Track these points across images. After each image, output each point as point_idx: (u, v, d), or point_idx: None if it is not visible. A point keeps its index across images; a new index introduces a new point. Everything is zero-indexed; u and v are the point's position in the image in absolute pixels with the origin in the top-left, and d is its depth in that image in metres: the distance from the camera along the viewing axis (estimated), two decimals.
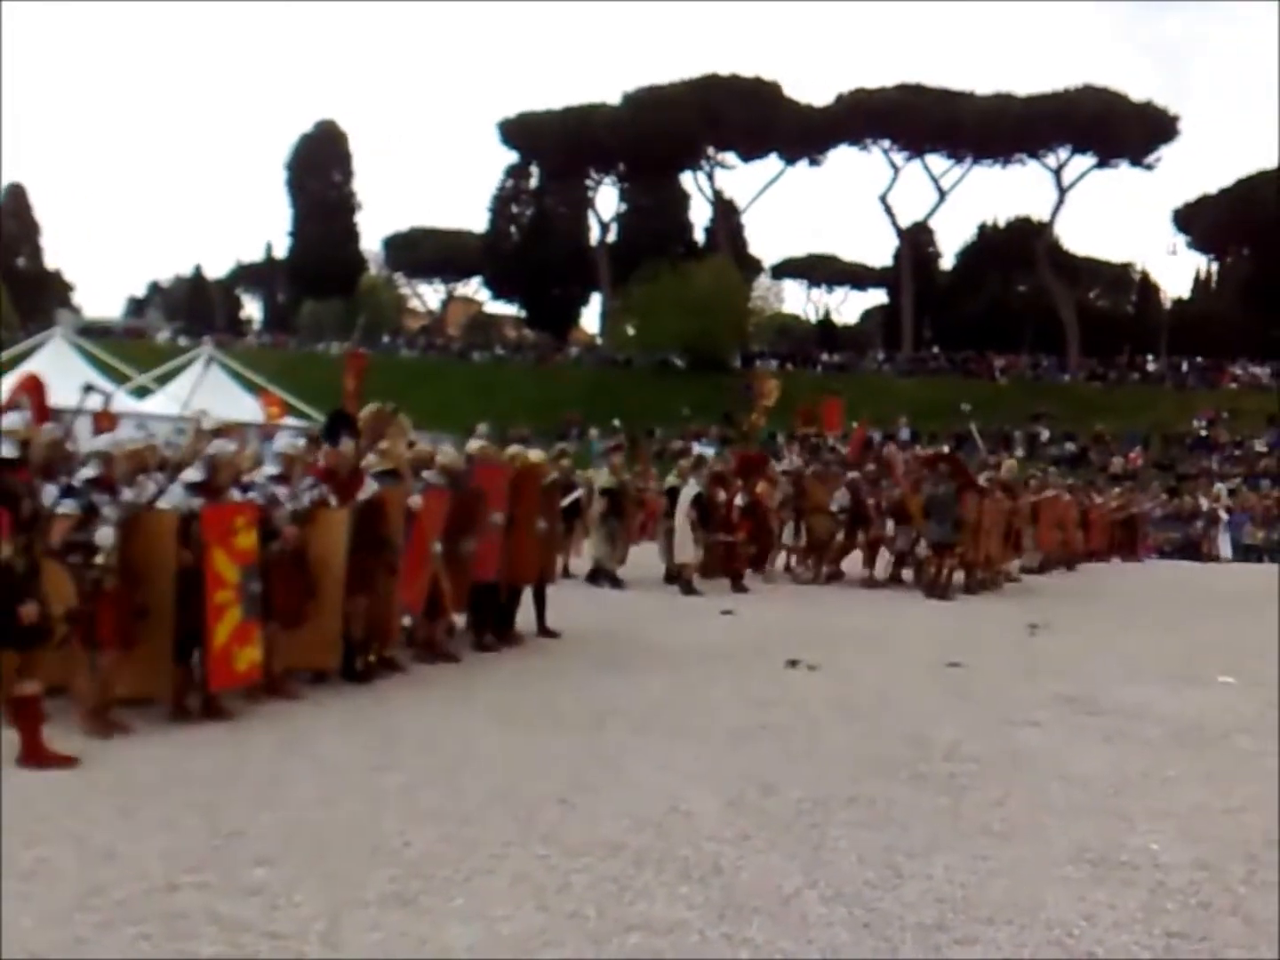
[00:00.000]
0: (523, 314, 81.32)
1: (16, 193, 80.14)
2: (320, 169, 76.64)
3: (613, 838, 5.51)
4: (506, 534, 11.05)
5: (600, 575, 17.00)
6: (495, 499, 10.94)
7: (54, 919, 4.37)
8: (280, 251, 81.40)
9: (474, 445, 12.01)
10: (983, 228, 74.53)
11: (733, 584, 16.91)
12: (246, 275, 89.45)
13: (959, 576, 17.78)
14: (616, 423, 48.97)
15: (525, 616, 11.80)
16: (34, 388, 9.49)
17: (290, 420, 27.47)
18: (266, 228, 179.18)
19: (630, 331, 65.61)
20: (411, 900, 4.68)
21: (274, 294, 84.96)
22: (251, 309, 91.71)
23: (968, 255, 74.36)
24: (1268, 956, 4.43)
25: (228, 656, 7.72)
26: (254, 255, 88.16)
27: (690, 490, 16.67)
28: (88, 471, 7.41)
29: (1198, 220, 66.55)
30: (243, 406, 25.15)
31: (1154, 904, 4.91)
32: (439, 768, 6.68)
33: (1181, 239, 68.46)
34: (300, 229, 76.92)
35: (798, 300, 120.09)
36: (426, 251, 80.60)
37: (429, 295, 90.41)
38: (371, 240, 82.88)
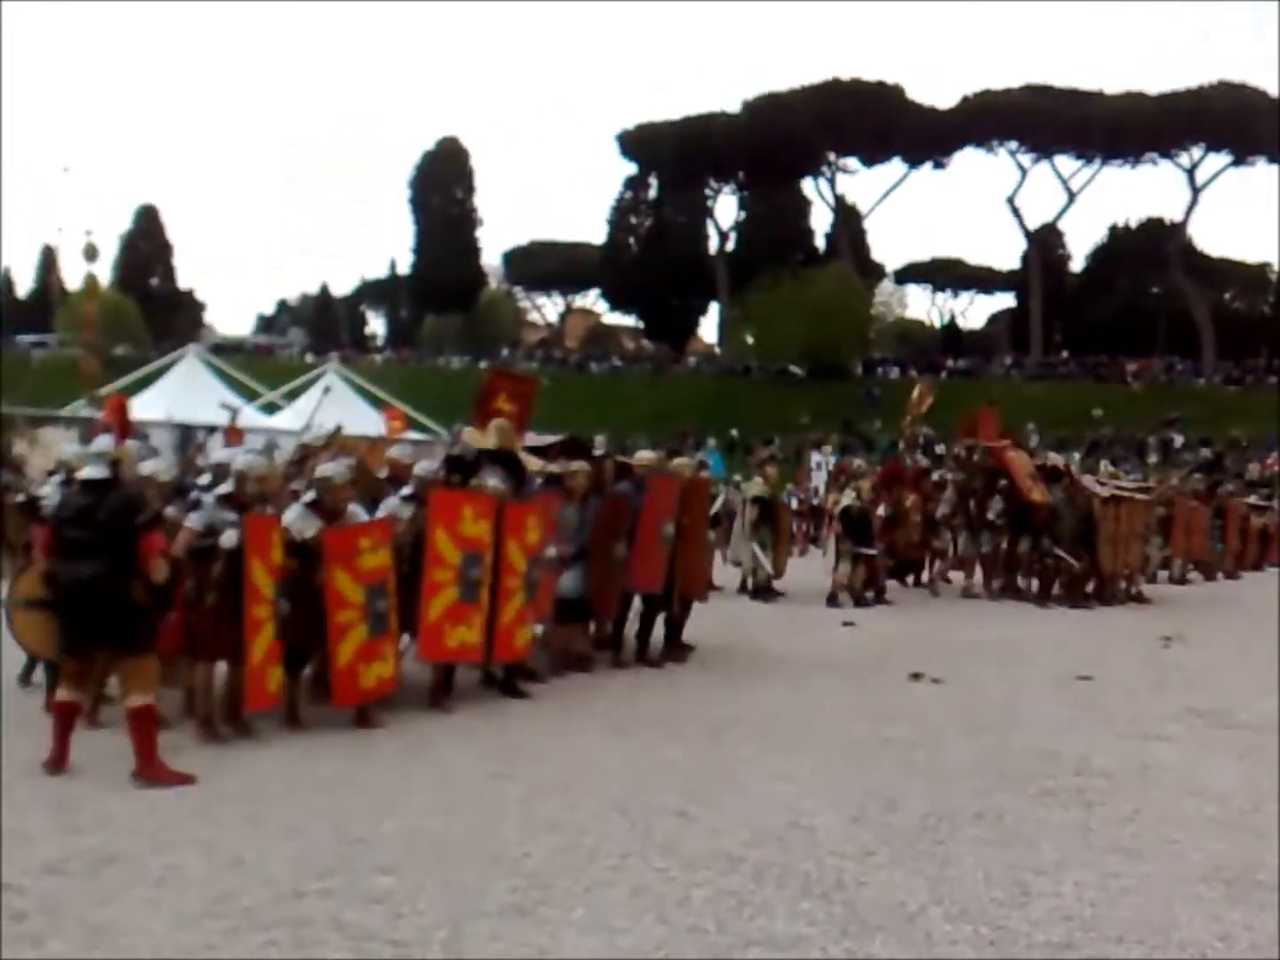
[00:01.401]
0: (641, 325, 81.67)
1: (149, 214, 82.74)
2: (443, 186, 77.97)
3: (732, 851, 5.47)
4: (676, 546, 10.79)
5: (754, 588, 16.68)
6: (666, 510, 10.70)
7: (184, 925, 4.47)
8: (404, 268, 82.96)
9: (645, 457, 11.95)
10: (1113, 229, 73.05)
11: (875, 596, 16.64)
12: (371, 292, 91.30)
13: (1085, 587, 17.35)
14: (734, 432, 48.92)
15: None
16: (117, 408, 9.63)
17: (412, 434, 27.95)
18: (391, 245, 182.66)
19: (749, 340, 65.52)
20: (531, 910, 4.70)
21: (397, 310, 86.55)
22: (376, 325, 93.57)
23: (1098, 257, 72.97)
24: None
25: (353, 674, 7.81)
26: (379, 272, 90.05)
27: (841, 503, 16.55)
28: (224, 488, 7.70)
29: None
30: (367, 421, 25.66)
31: None
32: (556, 778, 6.71)
33: None
34: (423, 245, 78.27)
35: (922, 305, 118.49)
36: (545, 264, 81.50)
37: (548, 308, 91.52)
38: (492, 255, 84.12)
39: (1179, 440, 48.08)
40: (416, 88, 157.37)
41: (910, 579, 18.94)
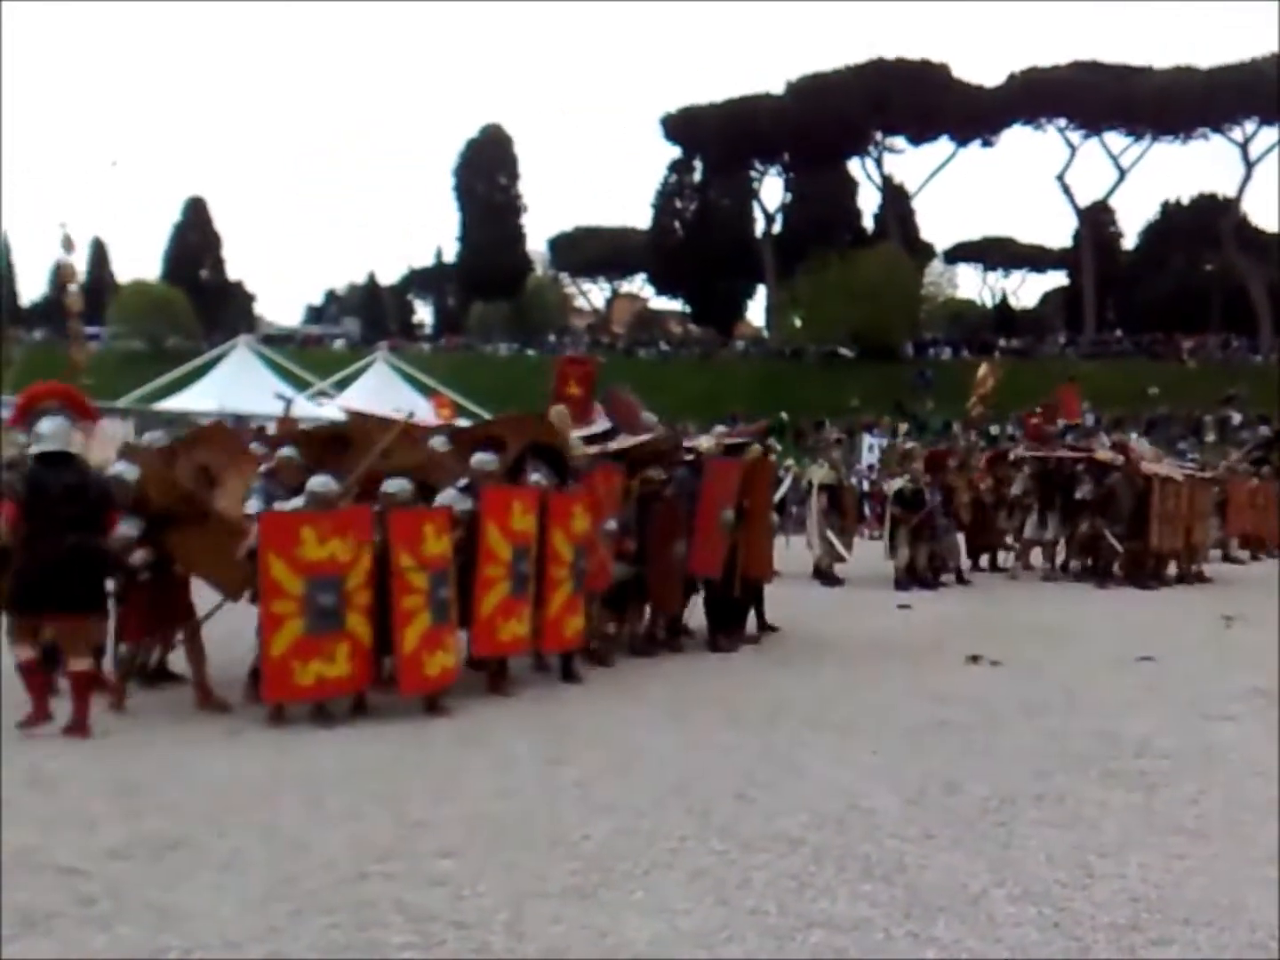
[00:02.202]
0: (688, 309, 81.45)
1: (197, 206, 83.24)
2: (487, 173, 77.93)
3: (791, 834, 5.45)
4: (739, 530, 10.82)
5: (822, 574, 16.71)
6: (725, 494, 10.68)
7: (248, 908, 4.51)
8: (450, 256, 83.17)
9: (705, 443, 11.90)
10: (1166, 205, 72.09)
11: (933, 576, 16.57)
12: (418, 280, 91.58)
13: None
14: (784, 415, 48.74)
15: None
16: (64, 394, 9.74)
17: (461, 421, 28.02)
18: (437, 233, 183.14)
19: (797, 323, 65.21)
20: (592, 893, 4.70)
21: (444, 298, 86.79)
22: (424, 313, 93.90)
23: (1151, 234, 72.03)
24: None
25: (418, 662, 7.80)
26: (425, 260, 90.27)
27: (893, 485, 16.61)
28: (296, 503, 7.88)
29: None
30: (417, 409, 25.74)
31: None
32: (613, 762, 6.71)
33: None
34: (468, 233, 78.35)
35: (973, 285, 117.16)
36: (591, 250, 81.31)
37: (594, 294, 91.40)
38: (537, 241, 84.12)
39: (1237, 418, 47.40)
40: (460, 75, 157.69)
41: (977, 562, 18.76)
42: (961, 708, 8.30)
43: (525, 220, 79.88)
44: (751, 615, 11.66)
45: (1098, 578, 16.94)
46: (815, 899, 4.67)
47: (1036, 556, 18.29)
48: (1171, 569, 17.88)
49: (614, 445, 10.33)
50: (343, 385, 34.49)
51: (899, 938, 4.31)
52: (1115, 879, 4.93)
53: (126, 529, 7.64)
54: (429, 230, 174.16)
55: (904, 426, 31.38)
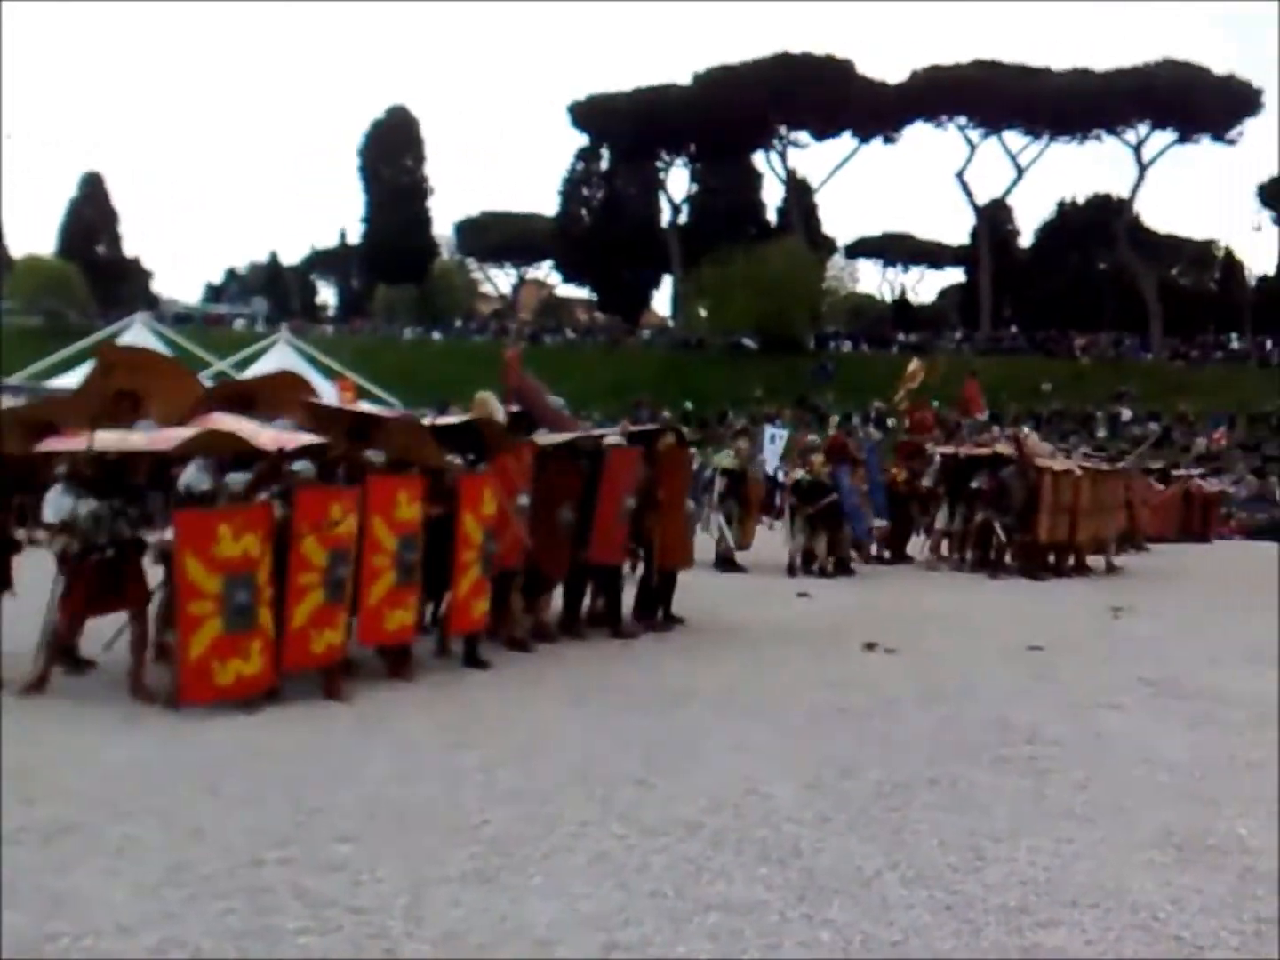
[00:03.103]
0: (594, 297, 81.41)
1: (94, 181, 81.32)
2: (393, 155, 77.18)
3: (690, 818, 5.50)
4: (654, 518, 10.94)
5: (718, 560, 16.78)
6: (626, 482, 10.68)
7: (143, 894, 4.44)
8: (354, 237, 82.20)
9: (611, 436, 11.80)
10: (1062, 205, 73.60)
11: (835, 566, 16.78)
12: (322, 261, 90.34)
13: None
14: (689, 405, 49.00)
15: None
16: None
17: (364, 405, 27.67)
18: (341, 214, 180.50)
19: (702, 313, 65.55)
20: (492, 877, 4.70)
21: (349, 280, 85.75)
22: (327, 295, 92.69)
23: (1047, 233, 73.50)
24: None
25: (304, 638, 7.74)
26: (329, 241, 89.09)
27: (794, 476, 16.91)
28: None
29: None
30: (319, 392, 25.41)
31: (1243, 889, 4.82)
32: (515, 747, 6.71)
33: (1267, 215, 67.00)
34: (373, 215, 77.54)
35: (873, 280, 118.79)
36: (497, 236, 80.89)
37: (500, 279, 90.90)
38: (443, 225, 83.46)
39: (1127, 414, 48.61)
40: (367, 55, 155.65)
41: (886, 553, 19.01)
42: (859, 694, 8.43)
43: (431, 204, 79.37)
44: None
45: (990, 568, 17.30)
46: (712, 882, 4.72)
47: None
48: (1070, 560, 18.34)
49: (541, 442, 10.29)
50: (243, 366, 33.93)
51: (794, 920, 4.38)
52: (1006, 863, 5.05)
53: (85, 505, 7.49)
54: (333, 211, 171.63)
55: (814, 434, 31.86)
